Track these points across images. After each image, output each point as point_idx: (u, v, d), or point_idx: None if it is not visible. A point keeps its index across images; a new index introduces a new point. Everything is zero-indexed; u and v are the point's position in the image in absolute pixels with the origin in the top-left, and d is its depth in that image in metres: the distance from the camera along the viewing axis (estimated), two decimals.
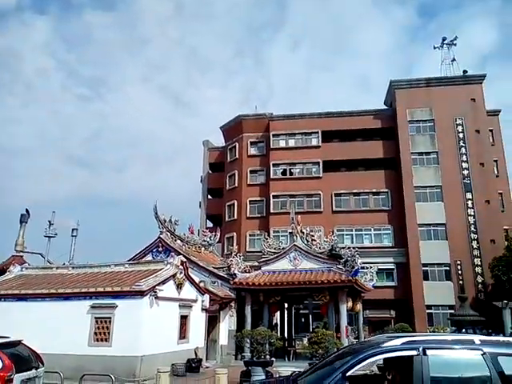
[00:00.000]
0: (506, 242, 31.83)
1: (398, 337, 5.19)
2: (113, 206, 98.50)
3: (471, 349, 4.79)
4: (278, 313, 24.17)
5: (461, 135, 35.32)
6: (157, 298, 14.72)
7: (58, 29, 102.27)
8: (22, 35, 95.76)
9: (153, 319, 14.45)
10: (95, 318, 14.61)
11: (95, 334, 14.47)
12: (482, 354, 4.66)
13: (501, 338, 5.62)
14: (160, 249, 20.85)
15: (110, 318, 14.41)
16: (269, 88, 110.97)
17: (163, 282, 15.20)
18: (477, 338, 5.04)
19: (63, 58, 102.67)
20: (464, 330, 23.45)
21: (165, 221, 21.56)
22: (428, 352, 4.72)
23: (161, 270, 15.76)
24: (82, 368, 12.41)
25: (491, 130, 36.99)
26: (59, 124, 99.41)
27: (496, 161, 36.26)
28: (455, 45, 40.60)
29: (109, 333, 14.32)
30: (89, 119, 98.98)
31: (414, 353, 4.77)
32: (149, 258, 20.48)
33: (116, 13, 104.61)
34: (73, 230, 43.65)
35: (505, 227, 33.65)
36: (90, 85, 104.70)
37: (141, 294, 14.21)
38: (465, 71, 37.93)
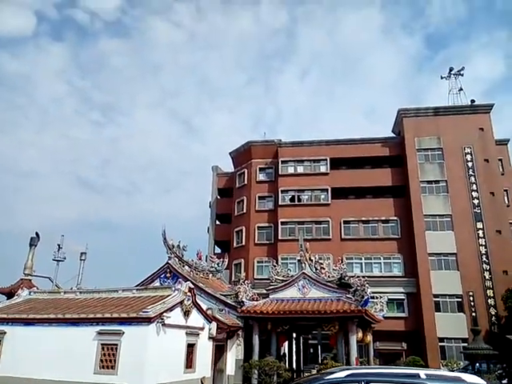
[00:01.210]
0: None
1: (343, 369, 5.17)
2: (122, 230, 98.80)
3: (416, 383, 4.74)
4: (286, 343, 23.62)
5: (470, 164, 35.26)
6: (164, 325, 14.51)
7: (73, 55, 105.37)
8: (37, 61, 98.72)
9: (159, 347, 14.21)
10: (101, 344, 14.38)
11: (101, 361, 14.20)
12: None
13: (448, 373, 5.48)
14: (168, 274, 20.71)
15: (116, 344, 14.17)
16: (278, 115, 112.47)
17: (170, 309, 15.01)
18: (422, 373, 4.95)
19: (77, 84, 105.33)
20: (478, 364, 22.86)
21: (173, 246, 21.50)
22: None
23: (168, 296, 15.59)
24: None
25: (500, 160, 36.92)
26: (71, 148, 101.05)
27: (506, 190, 36.03)
28: (462, 75, 41.09)
29: (115, 360, 14.06)
30: (100, 144, 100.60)
31: None
32: (157, 283, 20.32)
33: (130, 40, 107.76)
34: (81, 253, 43.71)
35: None
36: (102, 110, 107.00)
37: (148, 320, 14.02)
38: (472, 101, 38.19)
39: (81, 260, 43.28)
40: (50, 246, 43.24)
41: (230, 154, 42.81)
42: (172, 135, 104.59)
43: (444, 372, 5.78)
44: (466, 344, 27.02)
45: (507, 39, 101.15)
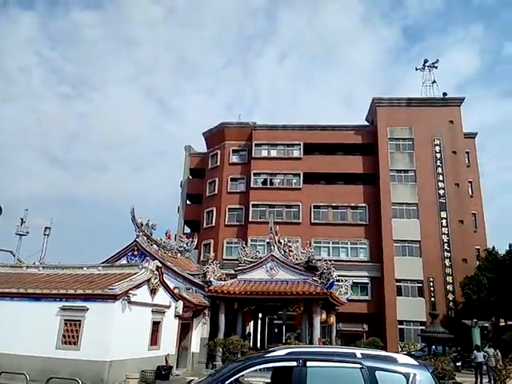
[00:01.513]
0: (478, 262, 32.67)
1: (284, 348, 5.33)
2: (90, 208, 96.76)
3: (351, 362, 4.87)
4: (252, 322, 24.03)
5: (438, 155, 36.21)
6: (130, 302, 14.45)
7: (42, 25, 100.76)
8: (5, 29, 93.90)
9: (124, 324, 14.17)
10: (64, 320, 14.24)
11: (64, 336, 14.09)
12: (361, 368, 4.76)
13: (382, 353, 5.66)
14: (135, 253, 20.53)
15: (79, 320, 14.06)
16: (255, 98, 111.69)
17: (137, 287, 14.94)
18: (358, 352, 5.09)
19: (47, 54, 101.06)
20: (434, 347, 23.90)
21: (142, 224, 21.27)
22: (308, 363, 4.81)
23: (135, 274, 15.48)
24: (48, 371, 12.06)
25: (467, 152, 38.09)
26: (38, 122, 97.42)
27: (471, 182, 37.31)
28: (436, 67, 41.82)
29: (78, 336, 13.96)
30: (69, 118, 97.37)
31: (294, 364, 4.85)
32: (123, 261, 20.12)
33: (104, 12, 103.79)
34: (45, 228, 42.47)
35: (477, 247, 34.56)
36: (72, 83, 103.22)
37: (113, 297, 13.93)
38: (444, 93, 39.04)
39: (45, 235, 42.10)
40: (13, 220, 41.91)
41: (203, 134, 42.34)
42: (146, 113, 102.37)
43: (379, 352, 6.02)
44: (423, 327, 28.11)
45: (483, 34, 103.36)
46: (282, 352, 5.11)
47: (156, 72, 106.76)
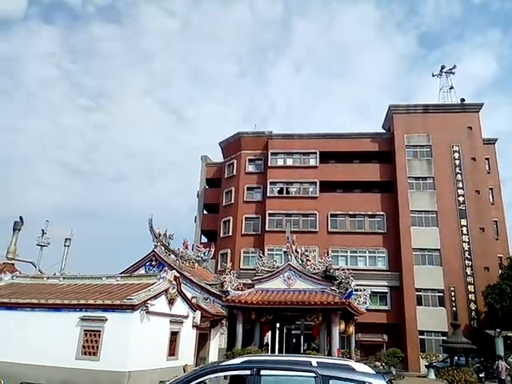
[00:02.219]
0: (500, 270, 31.88)
1: (240, 357, 5.41)
2: (108, 218, 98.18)
3: (306, 371, 4.88)
4: (270, 332, 23.87)
5: (457, 162, 35.65)
6: (148, 312, 14.52)
7: (63, 39, 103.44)
8: (27, 43, 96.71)
9: (143, 334, 14.24)
10: (84, 330, 14.36)
11: (83, 347, 14.20)
12: (315, 377, 4.74)
13: (339, 361, 5.64)
14: (153, 263, 20.68)
15: (99, 331, 14.17)
16: (270, 108, 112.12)
17: (155, 297, 15.02)
18: (314, 361, 5.10)
19: (67, 68, 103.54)
20: (456, 358, 23.34)
21: (159, 234, 21.45)
22: (262, 372, 4.85)
23: (153, 284, 15.59)
24: (68, 381, 12.19)
25: (487, 158, 37.39)
26: (58, 134, 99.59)
27: (491, 189, 36.54)
28: (453, 73, 41.34)
29: (97, 346, 14.06)
30: (88, 130, 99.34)
31: (248, 372, 4.90)
32: (142, 271, 20.30)
33: (122, 26, 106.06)
34: (66, 239, 43.24)
35: (499, 255, 33.74)
36: (91, 96, 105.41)
37: (132, 308, 14.02)
38: (462, 99, 38.52)
39: (65, 246, 42.85)
40: (34, 231, 42.73)
41: (219, 144, 42.65)
42: (162, 124, 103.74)
43: (335, 360, 6.13)
44: (445, 337, 27.51)
45: (500, 40, 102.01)
46: (237, 360, 5.17)
47: (171, 83, 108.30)
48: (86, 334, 14.33)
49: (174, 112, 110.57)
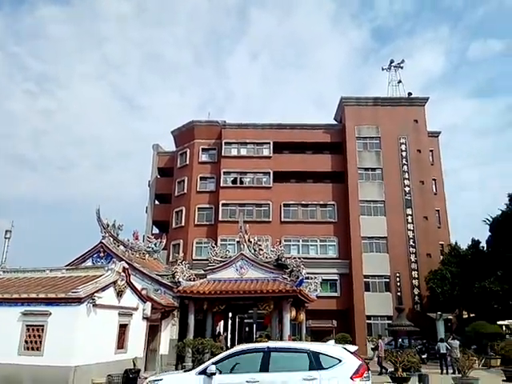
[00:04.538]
0: (441, 257, 33.76)
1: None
2: (54, 208, 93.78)
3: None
4: (222, 322, 23.92)
5: (404, 154, 37.14)
6: (95, 305, 14.04)
7: (7, 20, 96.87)
8: None
9: (89, 328, 13.77)
10: (26, 325, 13.72)
11: (26, 342, 13.58)
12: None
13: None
14: (101, 254, 20.03)
15: (42, 325, 13.57)
16: (227, 97, 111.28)
17: (103, 289, 14.53)
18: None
19: (12, 51, 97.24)
20: (400, 340, 24.52)
21: (108, 225, 20.75)
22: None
23: (101, 276, 15.06)
24: (11, 377, 11.63)
25: (431, 151, 39.22)
26: (2, 121, 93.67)
27: (434, 179, 38.46)
28: (402, 68, 42.87)
29: (41, 341, 13.47)
30: (34, 116, 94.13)
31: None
32: (89, 263, 19.59)
33: (72, 8, 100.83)
34: (6, 231, 40.83)
35: (440, 242, 35.71)
36: (39, 80, 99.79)
37: (78, 301, 13.51)
38: (409, 93, 40.05)
39: (5, 238, 40.49)
40: None
41: (172, 132, 41.83)
42: (114, 111, 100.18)
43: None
44: (390, 321, 28.76)
45: (449, 36, 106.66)
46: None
47: (125, 69, 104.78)
48: (28, 329, 13.70)
49: (127, 99, 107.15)
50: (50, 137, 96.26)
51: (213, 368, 7.49)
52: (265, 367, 7.40)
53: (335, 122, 41.22)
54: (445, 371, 19.22)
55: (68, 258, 20.50)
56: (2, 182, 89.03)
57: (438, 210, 37.27)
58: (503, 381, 14.35)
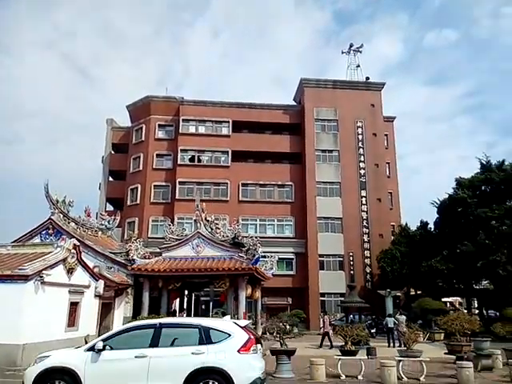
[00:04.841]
0: (392, 237, 35.14)
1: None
2: (2, 184, 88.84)
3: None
4: (178, 300, 23.78)
5: (360, 137, 37.93)
6: (43, 283, 13.46)
7: None
8: None
9: (38, 305, 13.23)
10: None
11: None
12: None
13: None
14: (50, 231, 19.14)
15: None
16: (185, 73, 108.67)
17: (51, 267, 13.94)
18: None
19: None
20: (351, 316, 25.41)
21: (57, 201, 19.78)
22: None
23: (49, 253, 14.44)
24: None
25: (386, 135, 40.33)
26: None
27: (388, 163, 39.70)
28: (361, 52, 43.43)
29: None
30: None
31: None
32: (37, 240, 18.68)
33: None
34: None
35: (392, 223, 37.13)
36: None
37: (25, 278, 12.91)
38: (367, 78, 40.75)
39: None
40: None
41: (127, 107, 40.35)
42: (66, 82, 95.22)
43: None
44: (343, 298, 29.78)
45: (407, 23, 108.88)
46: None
47: (77, 38, 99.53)
48: None
49: (80, 70, 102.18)
50: None
51: (100, 345, 7.59)
52: (155, 343, 7.60)
53: (294, 103, 41.31)
54: (392, 344, 20.14)
55: (14, 236, 19.48)
56: None
57: (390, 193, 38.62)
58: (445, 353, 15.18)
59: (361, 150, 37.73)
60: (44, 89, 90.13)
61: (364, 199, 36.48)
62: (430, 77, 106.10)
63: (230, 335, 7.70)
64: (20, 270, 13.05)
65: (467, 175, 30.84)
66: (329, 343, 19.77)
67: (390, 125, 41.53)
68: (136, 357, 7.45)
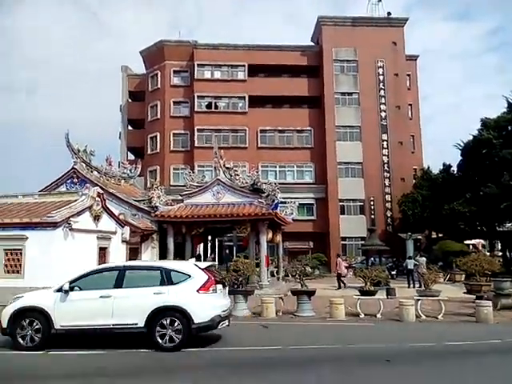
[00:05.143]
0: (414, 181, 34.76)
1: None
2: (22, 134, 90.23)
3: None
4: (202, 245, 24.47)
5: (381, 77, 36.54)
6: (72, 229, 14.02)
7: None
8: None
9: (68, 251, 13.84)
10: (4, 249, 13.77)
11: (5, 266, 13.71)
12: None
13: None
14: (75, 180, 19.60)
15: (20, 249, 13.66)
16: (198, 16, 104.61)
17: (78, 214, 14.44)
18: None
19: None
20: (372, 258, 25.85)
21: (78, 150, 20.07)
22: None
23: (75, 201, 14.90)
24: None
25: (409, 75, 38.68)
26: None
27: (411, 104, 38.40)
28: None
29: (20, 265, 13.65)
30: None
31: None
32: (63, 189, 19.20)
33: None
34: None
35: (414, 167, 36.55)
36: None
37: (53, 225, 13.46)
38: (389, 13, 38.51)
39: None
40: None
41: (140, 53, 39.44)
42: (78, 29, 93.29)
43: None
44: (364, 242, 30.15)
45: None
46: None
47: None
48: (6, 254, 13.79)
49: (92, 15, 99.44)
50: (9, 57, 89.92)
51: (66, 286, 8.12)
52: (119, 284, 8.10)
53: (312, 44, 39.67)
54: (411, 286, 20.52)
55: (40, 185, 20.02)
56: None
57: (412, 136, 37.71)
58: (464, 293, 15.37)
59: (382, 91, 36.48)
60: (56, 36, 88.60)
61: (385, 143, 35.79)
62: (455, 11, 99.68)
63: (190, 276, 8.14)
64: (48, 217, 13.57)
65: (493, 116, 29.64)
66: (342, 284, 20.32)
67: (412, 64, 39.65)
68: (101, 297, 7.97)
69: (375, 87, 36.45)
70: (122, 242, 17.50)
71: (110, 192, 19.12)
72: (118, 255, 17.07)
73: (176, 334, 7.72)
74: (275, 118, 36.60)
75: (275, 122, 36.49)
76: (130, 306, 7.90)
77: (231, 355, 7.80)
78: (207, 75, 37.44)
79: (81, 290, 8.22)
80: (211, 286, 8.12)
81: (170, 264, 8.92)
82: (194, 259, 10.08)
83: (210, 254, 23.92)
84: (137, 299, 7.93)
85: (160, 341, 7.70)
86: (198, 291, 7.99)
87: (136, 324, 7.81)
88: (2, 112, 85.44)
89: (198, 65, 37.10)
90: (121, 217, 17.73)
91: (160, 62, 37.99)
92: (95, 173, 20.77)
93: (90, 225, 15.36)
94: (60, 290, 8.24)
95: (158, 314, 7.79)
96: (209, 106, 37.10)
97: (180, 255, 19.52)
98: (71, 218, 13.95)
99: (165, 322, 7.76)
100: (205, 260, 24.43)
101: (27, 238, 13.59)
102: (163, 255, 19.81)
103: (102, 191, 16.24)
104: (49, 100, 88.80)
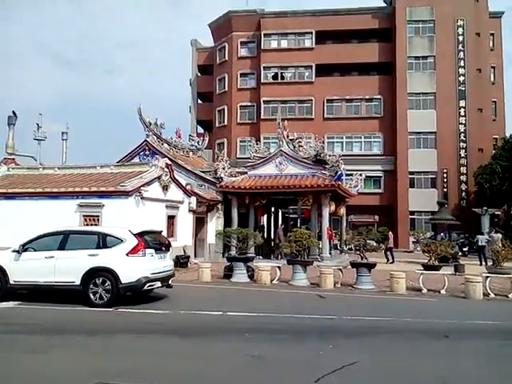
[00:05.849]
0: (494, 151, 32.15)
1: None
2: (102, 109, 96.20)
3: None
4: (265, 216, 24.92)
5: (460, 38, 33.76)
6: (143, 198, 15.02)
7: None
8: None
9: (139, 218, 14.85)
10: (83, 216, 15.03)
11: None
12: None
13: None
14: (147, 152, 20.72)
15: (98, 216, 14.84)
16: None
17: (148, 184, 15.39)
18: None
19: None
20: (442, 234, 24.67)
21: (150, 123, 21.11)
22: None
23: (146, 171, 15.86)
24: None
25: (492, 34, 35.29)
26: (46, 23, 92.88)
27: (493, 67, 35.20)
28: None
29: None
30: (78, 19, 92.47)
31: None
32: (136, 160, 20.43)
33: None
34: (63, 133, 42.78)
35: (494, 136, 33.77)
36: None
37: (126, 194, 14.49)
38: None
39: (63, 140, 42.62)
40: (31, 127, 41.84)
41: (209, 25, 39.91)
42: (153, 8, 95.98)
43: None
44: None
45: None
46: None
47: None
48: (85, 219, 15.04)
49: None
50: (94, 40, 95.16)
51: (17, 247, 9.34)
52: (62, 246, 9.24)
53: (384, 5, 37.41)
54: (483, 263, 19.42)
55: (118, 156, 21.48)
56: (53, 87, 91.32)
57: (494, 102, 34.70)
58: None
59: (461, 53, 33.70)
60: (134, 19, 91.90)
61: (463, 110, 33.30)
62: None
63: (122, 241, 9.06)
64: (121, 186, 14.62)
65: None
66: (391, 257, 20.14)
67: (496, 22, 35.89)
68: (46, 257, 9.13)
69: (454, 49, 33.76)
70: (189, 211, 18.43)
71: (178, 163, 20.02)
72: (185, 224, 18.04)
73: (105, 293, 8.80)
74: (343, 86, 35.44)
75: (343, 91, 35.36)
76: (69, 266, 8.96)
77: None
78: (274, 45, 37.00)
79: (35, 251, 9.39)
80: (140, 250, 8.98)
81: (106, 229, 9.86)
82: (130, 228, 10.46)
83: (281, 225, 24.16)
84: (75, 260, 8.98)
85: (92, 297, 8.82)
86: (127, 254, 8.90)
87: (74, 282, 8.91)
88: (88, 92, 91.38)
89: (264, 34, 36.75)
90: (188, 187, 18.59)
91: (227, 33, 38.16)
92: (165, 145, 21.78)
93: (160, 194, 16.34)
94: (15, 250, 9.42)
95: (92, 274, 8.86)
96: (275, 76, 36.83)
97: (244, 225, 20.08)
98: (141, 188, 14.93)
99: (98, 282, 8.86)
100: (268, 231, 25.00)
101: (103, 205, 14.74)
102: (228, 225, 20.50)
103: (170, 162, 17.10)
104: (129, 78, 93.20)
